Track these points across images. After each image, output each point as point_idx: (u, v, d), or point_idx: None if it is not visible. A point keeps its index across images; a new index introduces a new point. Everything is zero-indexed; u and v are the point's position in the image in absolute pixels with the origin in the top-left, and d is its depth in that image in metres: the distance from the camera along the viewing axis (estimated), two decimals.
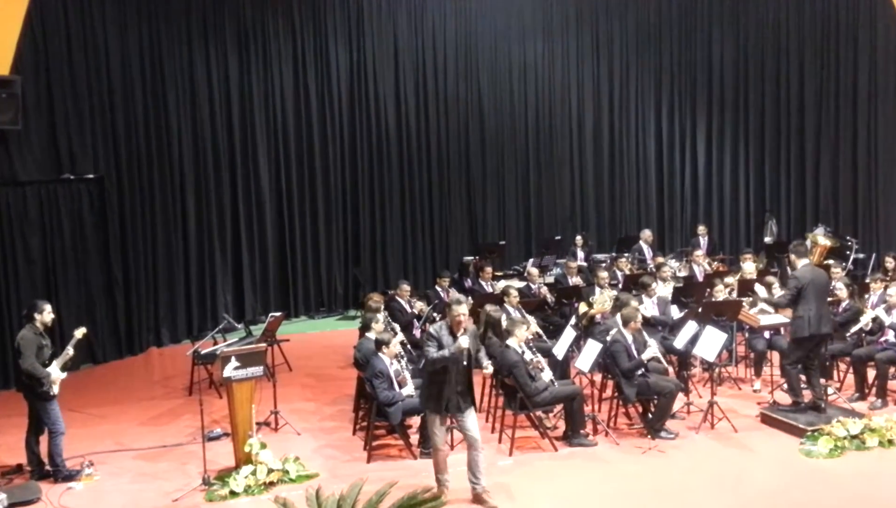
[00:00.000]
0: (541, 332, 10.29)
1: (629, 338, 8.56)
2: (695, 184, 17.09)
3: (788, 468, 7.74)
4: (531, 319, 10.13)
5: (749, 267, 11.62)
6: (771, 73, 16.14)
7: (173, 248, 13.31)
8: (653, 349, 8.48)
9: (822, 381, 9.23)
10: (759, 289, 9.21)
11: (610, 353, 8.51)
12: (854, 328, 9.61)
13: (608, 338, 8.68)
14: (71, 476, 7.84)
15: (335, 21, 15.03)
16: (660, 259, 13.29)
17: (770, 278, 10.66)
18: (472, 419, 7.10)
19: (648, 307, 10.09)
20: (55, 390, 7.72)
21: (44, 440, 7.93)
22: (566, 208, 17.17)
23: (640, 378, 8.44)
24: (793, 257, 8.66)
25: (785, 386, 9.40)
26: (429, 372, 7.05)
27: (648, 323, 9.59)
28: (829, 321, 8.60)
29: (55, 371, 7.71)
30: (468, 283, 13.04)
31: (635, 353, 8.49)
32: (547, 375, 8.37)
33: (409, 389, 8.23)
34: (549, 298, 11.50)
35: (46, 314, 7.85)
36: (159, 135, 13.04)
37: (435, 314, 11.04)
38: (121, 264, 12.49)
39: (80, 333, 7.97)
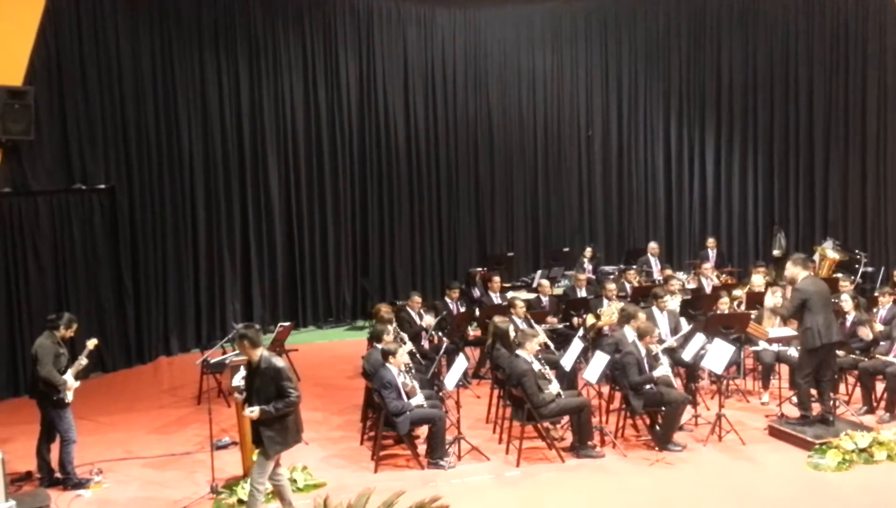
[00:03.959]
0: (549, 342, 10.30)
1: (642, 352, 8.56)
2: (703, 196, 17.08)
3: (796, 481, 7.73)
4: (539, 329, 10.15)
5: (758, 280, 11.61)
6: (780, 85, 16.14)
7: (183, 257, 13.37)
8: (664, 368, 8.45)
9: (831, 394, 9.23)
10: (768, 299, 9.21)
11: (621, 364, 8.51)
12: (862, 343, 9.57)
13: (620, 349, 8.70)
14: (81, 484, 7.91)
15: (345, 32, 15.11)
16: (667, 272, 13.29)
17: (776, 288, 10.67)
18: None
19: (659, 320, 10.07)
20: (69, 397, 7.83)
21: (55, 447, 8.00)
22: (574, 220, 17.19)
23: (647, 389, 8.45)
24: (793, 269, 8.56)
25: (793, 399, 9.38)
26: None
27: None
28: (837, 328, 8.60)
29: (70, 379, 7.85)
30: (477, 294, 13.07)
31: (646, 367, 8.49)
32: (555, 387, 8.38)
33: (419, 399, 8.25)
34: (553, 320, 11.50)
35: (70, 332, 8.07)
36: (170, 145, 13.13)
37: (433, 334, 11.06)
38: (131, 273, 12.56)
39: (91, 343, 8.14)
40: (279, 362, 6.60)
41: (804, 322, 8.34)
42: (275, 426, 6.55)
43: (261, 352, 6.58)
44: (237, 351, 10.40)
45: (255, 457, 6.64)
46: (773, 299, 9.24)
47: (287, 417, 6.58)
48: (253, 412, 6.50)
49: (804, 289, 8.37)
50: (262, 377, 6.54)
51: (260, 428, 6.55)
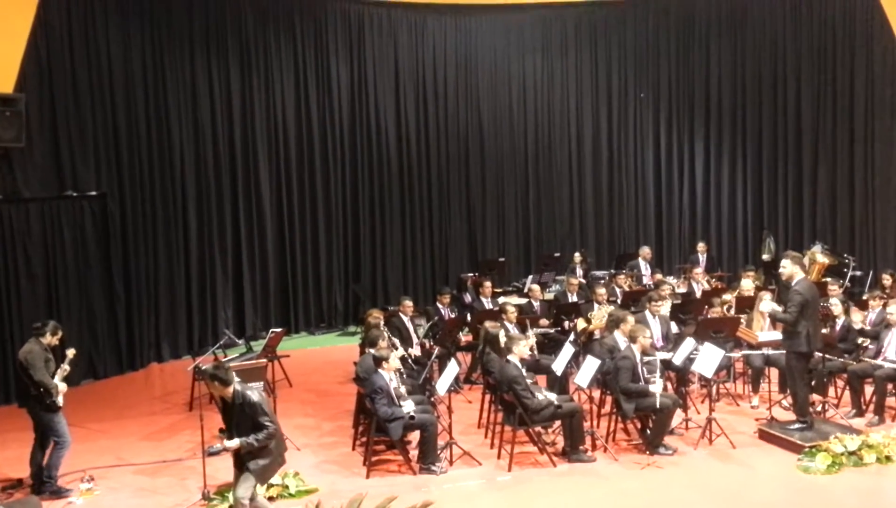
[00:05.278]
0: (534, 346, 10.24)
1: (638, 357, 8.58)
2: (693, 201, 17.16)
3: (786, 484, 7.76)
4: (531, 332, 10.16)
5: (747, 284, 11.66)
6: (768, 90, 16.24)
7: (174, 264, 13.36)
8: (658, 386, 8.43)
9: (819, 397, 9.28)
10: (764, 305, 9.19)
11: (615, 367, 8.53)
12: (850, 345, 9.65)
13: (614, 354, 8.72)
14: (59, 493, 7.84)
15: (336, 38, 15.16)
16: (658, 277, 13.34)
17: (766, 292, 10.70)
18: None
19: (651, 325, 10.09)
20: (60, 401, 7.85)
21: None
22: (565, 225, 17.25)
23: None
24: (793, 268, 8.38)
25: (784, 402, 9.44)
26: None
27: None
28: (820, 338, 8.64)
29: (60, 384, 7.89)
30: (468, 299, 13.10)
31: (640, 374, 8.51)
32: (552, 396, 8.41)
33: (409, 405, 8.27)
34: (545, 322, 11.51)
35: (56, 340, 8.11)
36: (161, 152, 13.13)
37: (423, 341, 11.08)
38: (122, 279, 12.54)
39: (71, 353, 8.28)
40: (254, 395, 6.48)
41: (797, 326, 8.29)
42: (263, 455, 6.52)
43: (233, 388, 6.46)
44: (230, 357, 10.47)
45: (241, 475, 6.61)
46: (769, 304, 9.17)
47: (269, 445, 6.54)
48: (233, 444, 6.44)
49: (804, 291, 8.32)
50: (238, 414, 6.47)
51: (249, 462, 6.51)
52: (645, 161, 17.33)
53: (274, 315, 14.65)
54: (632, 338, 8.71)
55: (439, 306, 12.17)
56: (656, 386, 8.39)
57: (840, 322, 10.04)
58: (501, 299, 12.10)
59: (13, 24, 11.03)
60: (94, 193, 12.17)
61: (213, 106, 13.82)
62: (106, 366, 12.35)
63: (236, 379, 6.55)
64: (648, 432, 8.60)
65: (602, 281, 13.13)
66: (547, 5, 16.80)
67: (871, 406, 9.29)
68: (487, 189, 16.70)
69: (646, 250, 14.77)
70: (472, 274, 14.70)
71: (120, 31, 12.49)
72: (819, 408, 9.21)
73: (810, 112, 15.76)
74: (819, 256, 13.80)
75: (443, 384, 8.52)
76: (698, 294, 12.21)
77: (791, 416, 8.85)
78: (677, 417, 8.90)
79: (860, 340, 9.83)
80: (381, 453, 8.61)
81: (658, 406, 8.35)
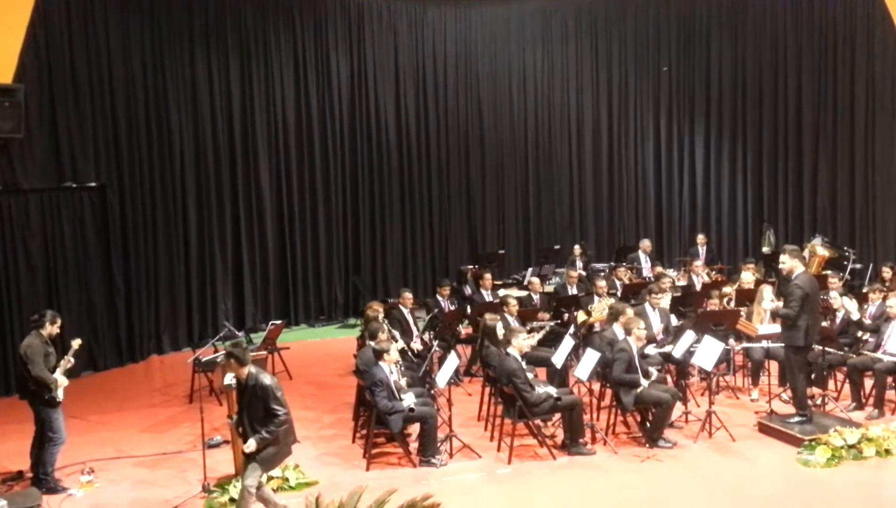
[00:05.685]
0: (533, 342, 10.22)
1: (635, 349, 8.58)
2: (693, 194, 17.16)
3: (786, 477, 7.77)
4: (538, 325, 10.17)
5: (748, 277, 11.66)
6: (769, 84, 16.21)
7: (174, 256, 13.35)
8: (644, 380, 8.46)
9: (819, 391, 9.28)
10: (766, 303, 9.15)
11: (612, 359, 8.54)
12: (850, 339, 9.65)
13: (614, 346, 8.73)
14: (54, 490, 7.79)
15: (336, 31, 15.13)
16: (658, 269, 13.32)
17: (766, 285, 10.67)
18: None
19: (651, 318, 10.08)
20: (60, 396, 7.78)
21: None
22: (565, 218, 17.26)
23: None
24: (792, 262, 8.40)
25: (784, 396, 9.45)
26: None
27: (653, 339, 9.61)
28: (817, 331, 8.64)
29: (60, 378, 7.81)
30: (468, 291, 13.09)
31: (637, 367, 8.51)
32: (551, 390, 8.40)
33: (409, 398, 8.27)
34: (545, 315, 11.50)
35: (56, 328, 8.00)
36: (161, 143, 13.11)
37: (422, 337, 11.08)
38: (122, 271, 12.53)
39: (76, 343, 8.15)
40: (266, 379, 6.58)
41: (797, 320, 8.27)
42: (271, 443, 6.60)
43: (248, 370, 6.59)
44: None
45: (248, 462, 6.65)
46: (769, 302, 9.14)
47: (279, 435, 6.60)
48: (250, 447, 6.53)
49: (804, 285, 8.32)
50: (250, 396, 6.57)
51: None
52: (645, 154, 17.32)
53: (274, 307, 14.65)
54: (627, 330, 8.70)
55: (439, 298, 12.16)
56: (644, 379, 8.41)
57: (840, 315, 10.04)
58: (501, 292, 12.10)
59: (12, 15, 10.98)
60: (93, 184, 12.15)
61: (213, 97, 13.79)
62: (106, 358, 12.35)
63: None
64: (648, 425, 8.61)
65: (602, 274, 13.12)
66: None
67: (871, 400, 9.29)
68: (487, 181, 16.70)
69: (646, 243, 14.76)
70: (471, 266, 14.68)
71: (119, 21, 12.44)
72: (819, 401, 9.23)
73: (811, 105, 15.74)
74: (819, 248, 13.79)
75: (443, 376, 8.53)
76: (698, 287, 12.20)
77: (791, 409, 8.86)
78: (677, 410, 8.90)
79: (860, 333, 9.82)
80: (381, 445, 8.62)
81: (642, 396, 8.36)
